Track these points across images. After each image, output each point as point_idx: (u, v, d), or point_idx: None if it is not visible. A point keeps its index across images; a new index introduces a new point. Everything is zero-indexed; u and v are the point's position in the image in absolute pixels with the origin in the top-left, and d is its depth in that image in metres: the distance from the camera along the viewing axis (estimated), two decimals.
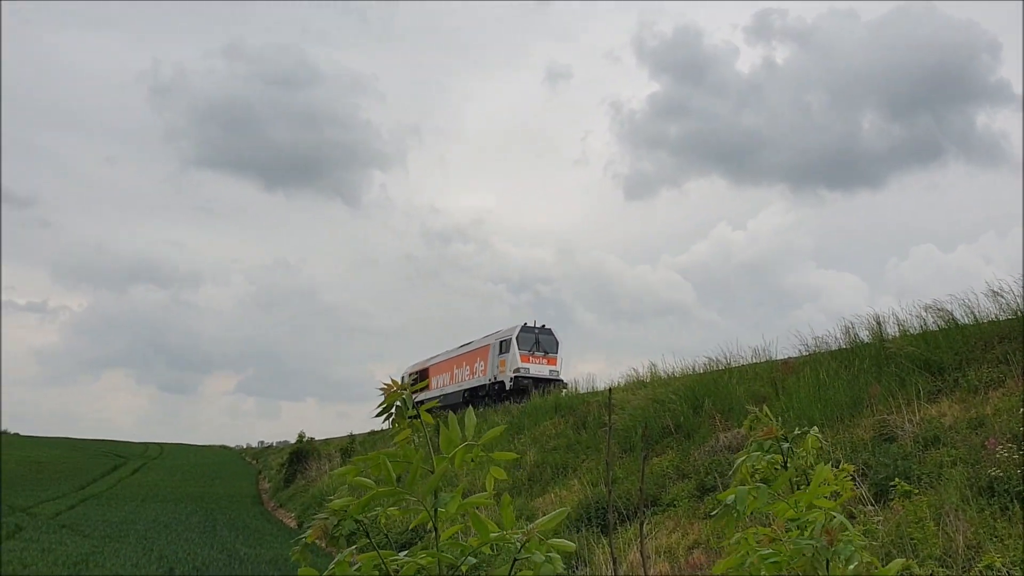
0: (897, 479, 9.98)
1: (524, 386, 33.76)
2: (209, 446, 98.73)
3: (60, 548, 20.05)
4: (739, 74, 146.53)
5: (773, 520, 2.23)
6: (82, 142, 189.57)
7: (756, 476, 2.31)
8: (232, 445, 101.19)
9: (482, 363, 37.89)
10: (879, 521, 9.12)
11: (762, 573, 2.02)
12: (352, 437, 47.44)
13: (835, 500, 2.40)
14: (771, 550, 2.05)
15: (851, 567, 1.88)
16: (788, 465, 2.29)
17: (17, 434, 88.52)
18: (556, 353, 36.06)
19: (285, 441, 71.75)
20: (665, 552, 11.91)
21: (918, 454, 11.09)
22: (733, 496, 2.25)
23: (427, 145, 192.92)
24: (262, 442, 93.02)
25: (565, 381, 34.05)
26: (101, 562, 18.18)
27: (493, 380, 36.32)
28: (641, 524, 3.04)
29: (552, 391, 30.08)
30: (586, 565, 12.25)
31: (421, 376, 42.41)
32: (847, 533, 2.02)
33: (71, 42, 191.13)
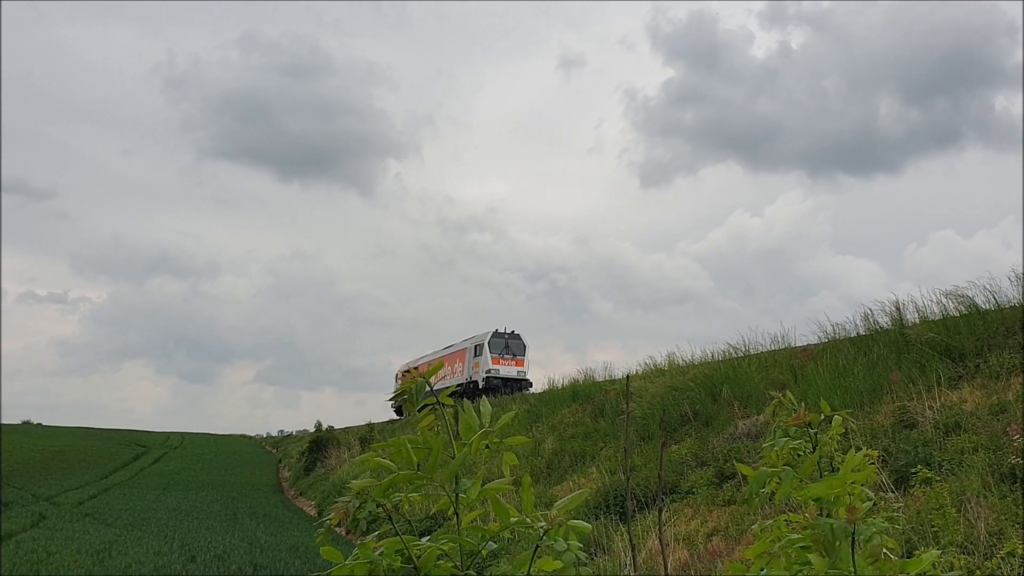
0: (918, 466, 9.94)
1: (495, 385, 38.47)
2: (230, 435, 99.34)
3: (83, 536, 20.29)
4: (754, 60, 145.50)
5: (805, 507, 2.21)
6: (98, 135, 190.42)
7: (779, 463, 2.30)
8: (252, 434, 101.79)
9: (460, 364, 42.41)
10: (900, 508, 9.09)
11: (792, 558, 2.01)
12: (371, 426, 47.65)
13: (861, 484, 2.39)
14: (800, 535, 2.04)
15: (870, 544, 1.87)
16: (816, 450, 2.27)
17: (40, 424, 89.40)
18: (524, 356, 40.42)
19: (305, 430, 72.28)
20: (684, 539, 11.91)
21: (939, 440, 11.04)
22: (761, 480, 2.23)
23: (441, 134, 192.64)
24: (282, 431, 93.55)
25: (531, 380, 39.29)
26: (124, 550, 18.38)
27: (469, 379, 40.50)
28: (660, 511, 3.04)
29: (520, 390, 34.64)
30: (605, 553, 12.27)
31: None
32: (872, 517, 2.01)
33: (84, 35, 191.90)
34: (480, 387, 38.75)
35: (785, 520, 2.23)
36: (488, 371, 39.37)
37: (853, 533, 1.84)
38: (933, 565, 1.91)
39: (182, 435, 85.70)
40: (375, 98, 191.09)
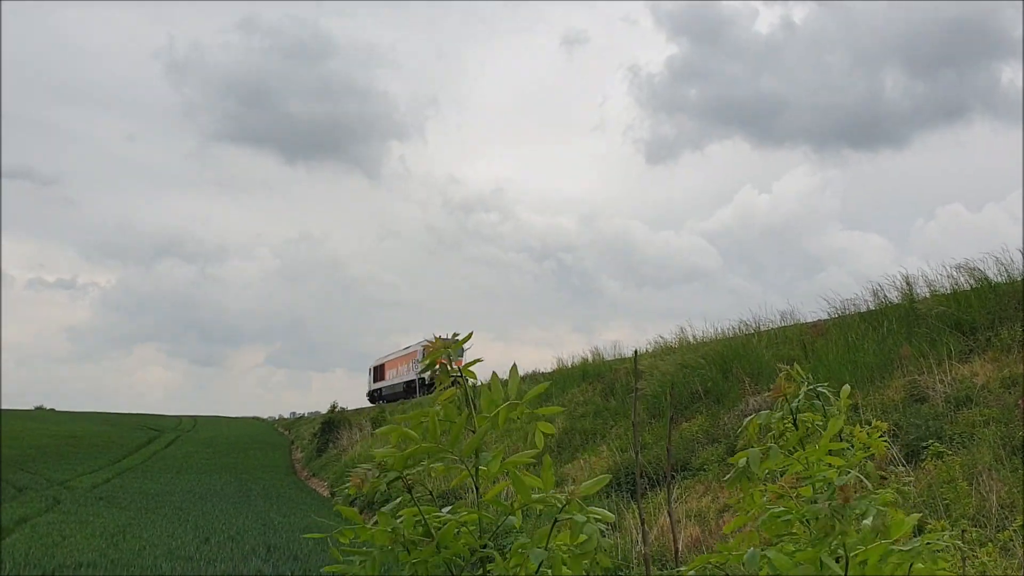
0: (929, 439, 9.93)
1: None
2: (242, 418, 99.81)
3: (98, 520, 20.44)
4: (758, 35, 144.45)
5: (780, 477, 2.21)
6: (102, 120, 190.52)
7: (770, 435, 2.28)
8: (264, 416, 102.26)
9: (411, 365, 51.12)
10: (910, 482, 9.10)
11: (772, 530, 2.01)
12: (382, 407, 48.01)
13: (869, 458, 2.37)
14: (782, 508, 2.03)
15: (866, 522, 1.86)
16: (797, 424, 2.25)
17: (53, 410, 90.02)
18: (461, 358, 49.37)
19: (316, 412, 72.50)
20: (695, 516, 11.96)
21: (950, 414, 11.02)
22: (746, 459, 2.20)
23: (445, 115, 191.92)
24: (294, 413, 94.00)
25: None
26: (138, 532, 18.52)
27: (417, 376, 48.44)
28: (668, 485, 3.05)
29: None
30: (616, 531, 12.33)
31: (381, 368, 57.12)
32: (867, 491, 2.00)
33: (84, 18, 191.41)
34: (426, 384, 44.85)
35: (760, 491, 2.21)
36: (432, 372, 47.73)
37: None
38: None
39: (194, 418, 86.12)
40: (377, 79, 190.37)
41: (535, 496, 1.67)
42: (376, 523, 1.57)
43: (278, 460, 46.00)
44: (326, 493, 31.55)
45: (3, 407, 77.39)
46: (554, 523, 1.71)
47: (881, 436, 2.50)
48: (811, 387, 2.28)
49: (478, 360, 1.81)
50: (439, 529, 1.61)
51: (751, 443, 2.28)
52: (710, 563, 2.09)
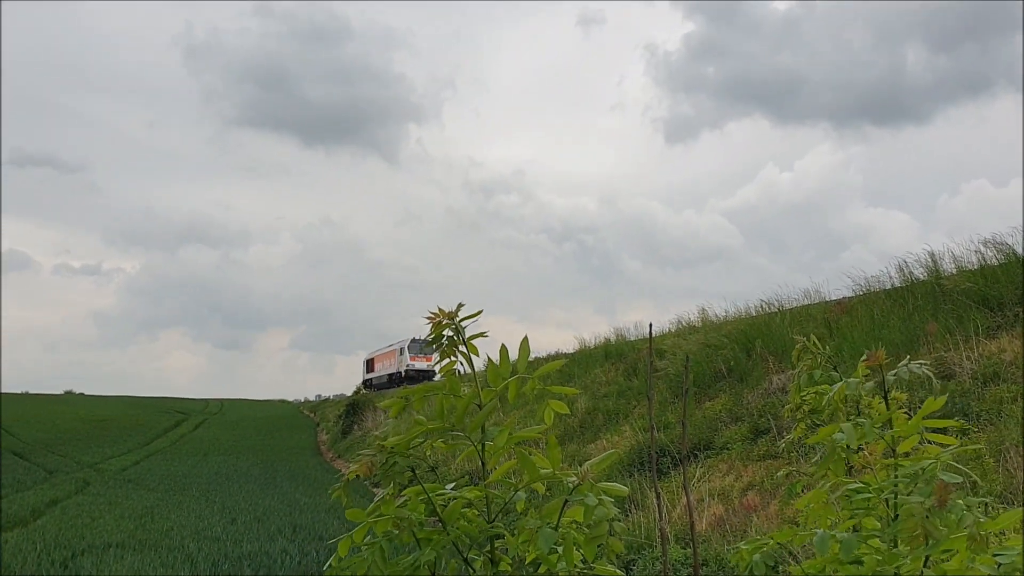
0: (955, 417, 9.82)
1: (412, 375, 55.52)
2: (268, 400, 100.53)
3: (126, 501, 20.71)
4: (775, 11, 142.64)
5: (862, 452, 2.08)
6: (123, 107, 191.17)
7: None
8: (290, 399, 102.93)
9: (394, 359, 61.26)
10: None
11: (852, 508, 1.90)
12: (405, 387, 48.61)
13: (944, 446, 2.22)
14: (861, 483, 1.92)
15: (964, 529, 1.75)
16: (888, 399, 2.13)
17: (82, 394, 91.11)
18: (432, 355, 59.02)
19: (342, 394, 73.27)
20: (719, 494, 11.92)
21: (977, 391, 10.89)
22: (840, 432, 2.05)
23: (462, 97, 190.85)
24: (319, 395, 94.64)
25: (436, 372, 56.99)
26: (166, 513, 18.74)
27: (398, 370, 58.72)
28: (683, 460, 3.00)
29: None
30: (640, 509, 12.33)
31: (372, 361, 68.23)
32: (959, 492, 1.89)
33: (101, 5, 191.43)
34: (403, 376, 56.35)
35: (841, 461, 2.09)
36: (407, 366, 56.92)
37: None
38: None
39: (221, 401, 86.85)
40: (394, 62, 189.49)
41: (543, 472, 1.63)
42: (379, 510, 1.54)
43: (304, 442, 46.33)
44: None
45: (33, 392, 78.39)
46: (564, 503, 1.67)
47: (901, 408, 2.44)
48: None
49: (483, 334, 1.75)
50: (444, 507, 1.58)
51: (826, 418, 2.16)
52: (772, 542, 1.99)
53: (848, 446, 2.03)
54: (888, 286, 16.78)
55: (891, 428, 2.09)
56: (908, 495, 1.80)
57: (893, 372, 2.15)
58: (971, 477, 2.01)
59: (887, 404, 2.13)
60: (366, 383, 67.01)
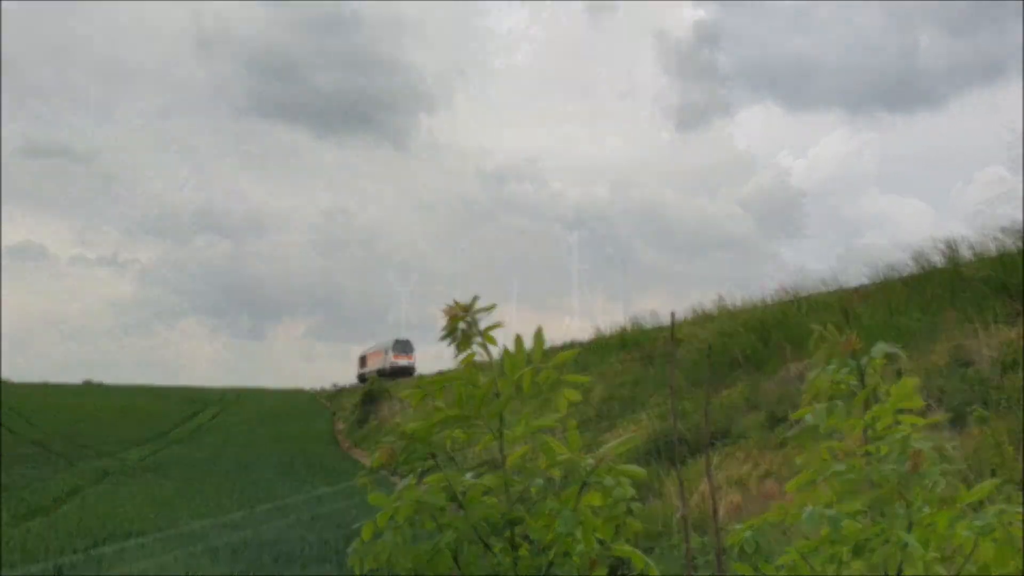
0: (974, 404, 9.78)
1: (395, 371, 63.15)
2: (285, 389, 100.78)
3: (146, 490, 20.91)
4: None
5: (845, 438, 2.14)
6: (134, 95, 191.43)
7: (821, 394, 2.22)
8: (307, 388, 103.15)
9: (381, 357, 69.17)
10: (955, 447, 8.97)
11: (837, 490, 1.95)
12: (420, 376, 48.39)
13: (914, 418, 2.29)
14: (845, 466, 1.97)
15: (937, 491, 1.79)
16: (864, 382, 2.19)
17: (101, 383, 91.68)
18: (411, 353, 66.25)
19: (357, 383, 73.53)
20: (736, 483, 11.92)
21: (996, 378, 10.84)
22: (810, 415, 2.13)
23: (472, 85, 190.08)
24: (335, 384, 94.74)
25: (415, 368, 63.45)
26: (185, 502, 18.91)
27: (383, 366, 66.06)
28: (706, 447, 3.02)
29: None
30: (658, 497, 12.35)
31: (365, 358, 75.99)
32: (932, 457, 1.93)
33: None
34: (388, 372, 63.27)
35: (828, 447, 2.15)
36: (391, 363, 65.17)
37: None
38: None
39: (238, 391, 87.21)
40: (403, 51, 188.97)
41: (560, 458, 1.65)
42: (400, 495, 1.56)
43: (321, 431, 46.55)
44: (368, 462, 31.90)
45: (53, 381, 79.07)
46: (582, 486, 1.69)
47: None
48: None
49: (498, 324, 1.77)
50: (464, 493, 1.60)
51: (815, 401, 2.21)
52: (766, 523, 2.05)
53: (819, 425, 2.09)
54: (905, 274, 16.70)
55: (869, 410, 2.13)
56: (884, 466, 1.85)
57: (865, 356, 2.19)
58: (942, 446, 2.05)
59: (863, 387, 2.17)
60: (360, 377, 75.92)
